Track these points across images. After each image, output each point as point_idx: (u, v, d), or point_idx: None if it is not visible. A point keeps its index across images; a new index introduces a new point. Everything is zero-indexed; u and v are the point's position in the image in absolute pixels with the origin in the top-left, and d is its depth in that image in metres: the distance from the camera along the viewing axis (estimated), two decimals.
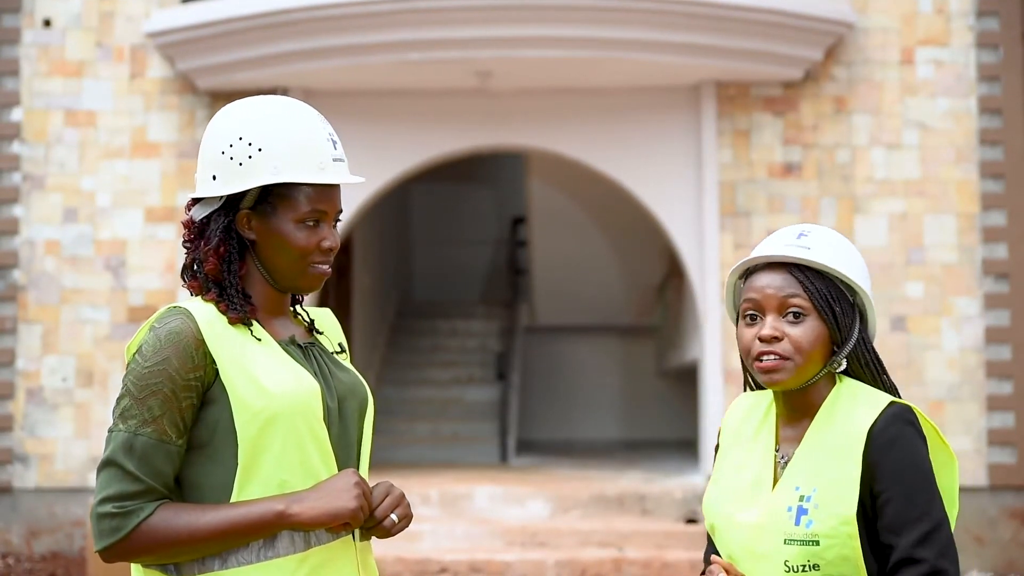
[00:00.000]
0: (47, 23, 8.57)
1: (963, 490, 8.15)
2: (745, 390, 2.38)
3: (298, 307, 2.34)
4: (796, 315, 2.18)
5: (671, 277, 12.18)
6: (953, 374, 8.27)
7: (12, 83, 8.56)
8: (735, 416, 2.35)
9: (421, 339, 13.48)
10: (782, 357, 2.16)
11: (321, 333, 2.34)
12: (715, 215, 8.44)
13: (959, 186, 8.37)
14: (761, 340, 2.18)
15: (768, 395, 2.32)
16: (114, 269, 8.47)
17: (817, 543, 2.11)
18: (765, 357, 2.17)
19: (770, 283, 2.19)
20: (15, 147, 8.53)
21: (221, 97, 8.51)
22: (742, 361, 2.29)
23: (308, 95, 8.47)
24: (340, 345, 2.35)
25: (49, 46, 8.57)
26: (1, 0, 8.55)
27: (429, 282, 15.43)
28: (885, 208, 8.38)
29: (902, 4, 8.45)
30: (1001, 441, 8.21)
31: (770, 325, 2.18)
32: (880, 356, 2.28)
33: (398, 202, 14.02)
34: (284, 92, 8.41)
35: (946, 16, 8.43)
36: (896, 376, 8.22)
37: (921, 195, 8.38)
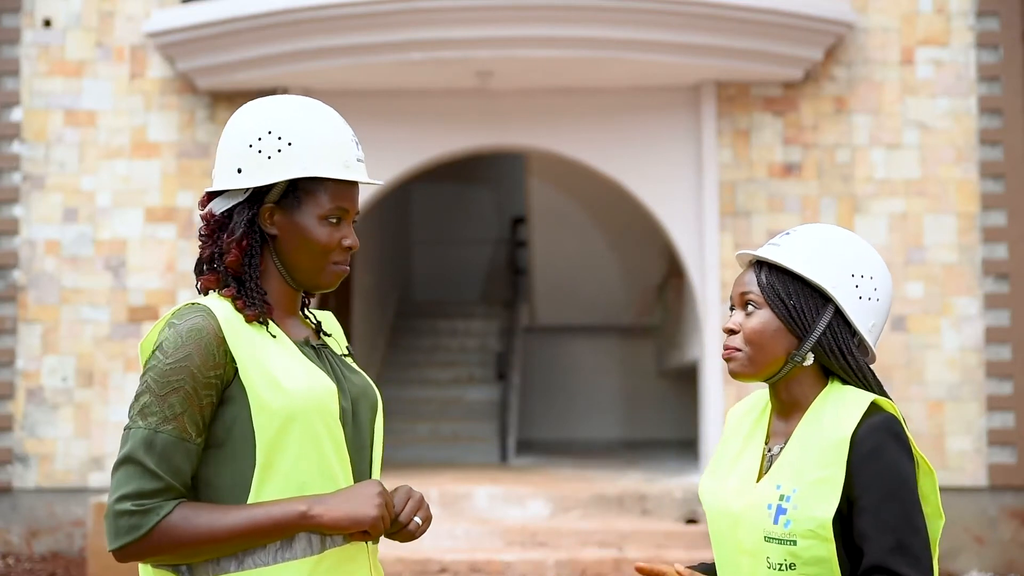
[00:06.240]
0: (47, 23, 8.57)
1: (963, 490, 8.15)
2: None
3: (306, 309, 2.34)
4: (750, 308, 2.26)
5: (671, 277, 12.17)
6: (953, 374, 8.27)
7: (12, 83, 8.57)
8: (741, 408, 2.42)
9: (421, 339, 13.48)
10: (735, 349, 2.26)
11: (329, 335, 2.34)
12: (715, 215, 8.44)
13: (959, 186, 8.37)
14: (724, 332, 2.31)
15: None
16: (114, 269, 8.47)
17: (794, 543, 2.13)
18: (725, 349, 2.28)
19: (738, 280, 2.31)
20: (15, 147, 8.53)
21: (221, 97, 8.52)
22: None
23: (308, 95, 8.34)
24: (347, 348, 2.36)
25: (49, 46, 8.57)
26: (1, 0, 8.55)
27: (429, 282, 15.41)
28: (885, 208, 8.38)
29: (902, 4, 8.45)
30: (1001, 441, 8.20)
31: (731, 319, 2.28)
32: (865, 354, 2.27)
33: (398, 202, 14.02)
34: (284, 92, 8.41)
35: (946, 16, 8.43)
36: (896, 376, 8.22)
37: (921, 195, 8.38)
